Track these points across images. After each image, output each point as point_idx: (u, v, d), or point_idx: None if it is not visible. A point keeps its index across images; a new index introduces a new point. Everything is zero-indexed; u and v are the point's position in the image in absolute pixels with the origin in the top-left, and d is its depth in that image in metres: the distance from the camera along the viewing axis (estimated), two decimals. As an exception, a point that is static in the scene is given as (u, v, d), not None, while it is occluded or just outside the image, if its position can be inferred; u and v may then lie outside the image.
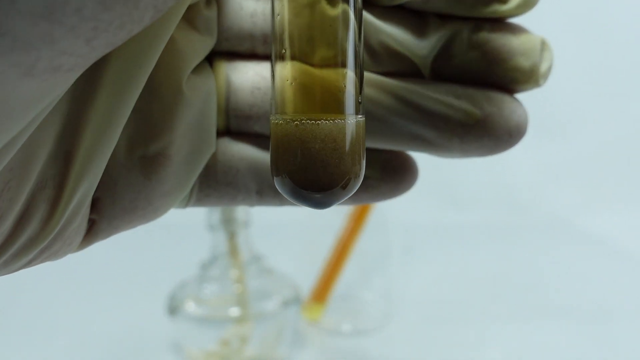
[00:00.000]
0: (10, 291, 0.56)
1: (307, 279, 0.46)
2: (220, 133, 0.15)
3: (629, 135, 0.79)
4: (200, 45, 0.14)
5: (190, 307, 0.38)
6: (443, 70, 0.14)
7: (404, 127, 0.14)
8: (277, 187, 0.13)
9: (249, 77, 0.15)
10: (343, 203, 0.14)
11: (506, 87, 0.14)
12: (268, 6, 0.14)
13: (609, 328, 0.46)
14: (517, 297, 0.53)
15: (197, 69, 0.14)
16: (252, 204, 0.16)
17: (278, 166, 0.12)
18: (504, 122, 0.14)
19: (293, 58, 0.12)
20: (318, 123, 0.12)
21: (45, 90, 0.09)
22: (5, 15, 0.08)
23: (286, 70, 0.12)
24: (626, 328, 0.46)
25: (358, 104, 0.13)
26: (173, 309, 0.38)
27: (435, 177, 0.81)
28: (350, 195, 0.13)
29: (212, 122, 0.14)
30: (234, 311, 0.37)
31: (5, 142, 0.09)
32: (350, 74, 0.12)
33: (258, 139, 0.15)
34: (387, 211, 0.44)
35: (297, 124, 0.12)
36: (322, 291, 0.45)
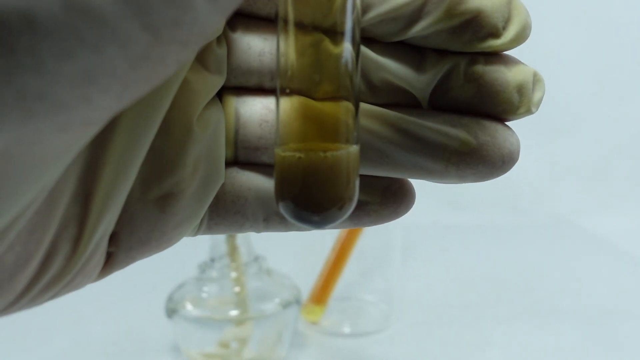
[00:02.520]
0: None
1: (307, 280, 0.46)
2: (229, 163, 0.16)
3: (631, 135, 0.79)
4: (211, 84, 0.14)
5: (189, 308, 0.37)
6: (440, 101, 0.15)
7: (403, 156, 0.15)
8: (281, 210, 0.14)
9: (257, 110, 0.15)
10: (346, 225, 0.16)
11: (499, 117, 0.15)
12: (274, 45, 0.15)
13: (611, 329, 0.46)
14: (518, 297, 0.52)
15: (208, 104, 0.15)
16: (259, 231, 0.16)
17: (282, 193, 0.14)
18: (498, 150, 0.15)
19: (295, 93, 0.14)
20: (317, 155, 0.13)
21: (75, 142, 0.10)
22: (47, 81, 0.08)
23: (288, 104, 0.14)
24: (628, 329, 0.46)
25: (354, 134, 0.14)
26: (172, 310, 0.38)
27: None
28: (347, 215, 0.14)
29: (221, 154, 0.15)
30: (234, 312, 0.37)
31: (37, 191, 0.10)
32: (348, 106, 0.14)
33: (265, 169, 0.16)
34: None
35: (299, 156, 0.13)
36: (322, 292, 0.45)
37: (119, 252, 0.14)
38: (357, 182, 0.14)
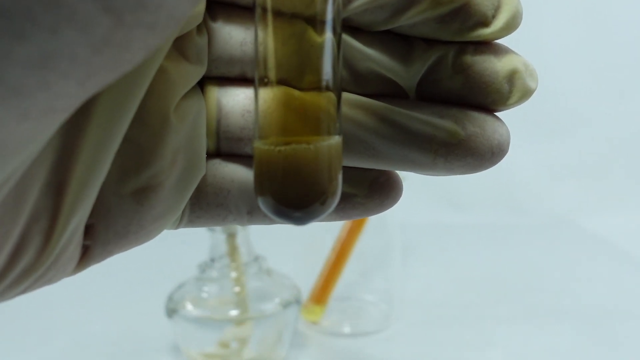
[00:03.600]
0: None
1: (307, 280, 0.46)
2: (211, 155, 0.15)
3: (631, 134, 0.79)
4: (190, 74, 0.14)
5: (189, 308, 0.37)
6: (428, 92, 0.15)
7: (389, 148, 0.15)
8: (261, 206, 0.13)
9: (240, 100, 0.15)
10: (332, 218, 0.15)
11: (489, 108, 0.15)
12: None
13: (611, 329, 0.46)
14: (518, 297, 0.52)
15: (187, 95, 0.14)
16: (242, 224, 0.16)
17: (262, 188, 0.13)
18: (487, 142, 0.14)
19: (275, 83, 0.13)
20: (297, 147, 0.13)
21: (39, 130, 0.10)
22: (0, 65, 0.08)
23: (267, 94, 0.13)
24: (628, 329, 0.46)
25: (336, 125, 0.13)
26: (172, 310, 0.38)
27: (436, 177, 0.81)
28: (330, 211, 0.13)
29: (202, 146, 0.15)
30: (234, 312, 0.37)
31: (0, 182, 0.10)
32: (330, 97, 0.13)
33: (249, 160, 0.15)
34: (387, 211, 0.44)
35: (278, 149, 0.13)
36: (322, 292, 0.45)
37: (95, 245, 0.14)
38: (340, 176, 0.13)
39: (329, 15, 0.13)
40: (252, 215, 0.16)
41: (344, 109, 0.15)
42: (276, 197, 0.13)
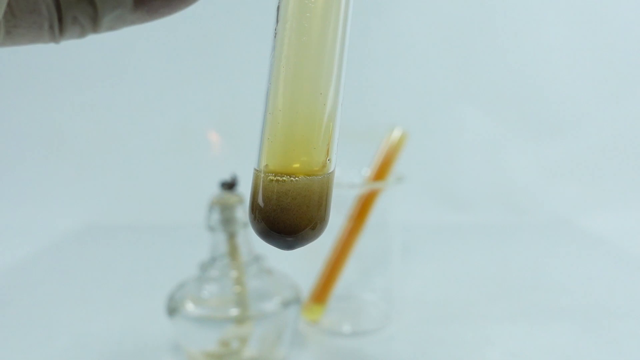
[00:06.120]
0: (10, 291, 0.56)
1: (307, 280, 0.46)
2: None
3: (629, 134, 0.79)
4: None
5: (190, 307, 0.38)
6: None
7: None
8: (252, 228, 0.14)
9: None
10: (142, 19, 0.16)
11: None
12: None
13: (610, 328, 0.46)
14: (518, 297, 0.53)
15: None
16: (56, 38, 0.16)
17: (255, 211, 0.14)
18: None
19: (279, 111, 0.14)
20: (292, 180, 0.14)
21: None
22: None
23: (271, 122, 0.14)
24: (628, 328, 0.46)
25: (330, 159, 0.14)
26: (173, 309, 0.38)
27: (435, 177, 0.81)
28: (320, 235, 0.15)
29: None
30: (234, 312, 0.37)
31: None
32: (329, 129, 0.14)
33: None
34: (387, 211, 0.44)
35: (277, 180, 0.14)
36: (322, 292, 0.45)
37: None
38: (330, 203, 0.15)
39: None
40: (64, 25, 0.16)
41: None
42: (269, 223, 0.14)
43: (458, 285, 0.56)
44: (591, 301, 0.52)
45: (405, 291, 0.53)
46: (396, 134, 0.44)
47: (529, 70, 0.77)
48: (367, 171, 0.45)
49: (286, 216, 0.14)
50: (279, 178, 0.14)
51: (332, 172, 0.14)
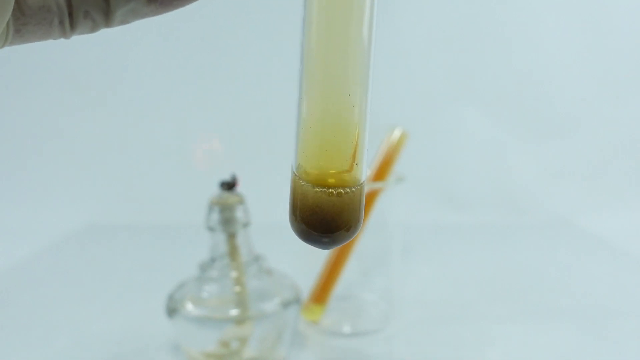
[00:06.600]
0: (11, 291, 0.55)
1: (307, 280, 0.46)
2: None
3: (630, 135, 0.79)
4: None
5: (190, 307, 0.38)
6: None
7: None
8: (292, 229, 0.16)
9: None
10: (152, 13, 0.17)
11: None
12: None
13: (610, 328, 0.46)
14: (518, 297, 0.53)
15: None
16: (66, 34, 0.16)
17: (296, 215, 0.16)
18: None
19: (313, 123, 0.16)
20: (330, 192, 0.16)
21: None
22: None
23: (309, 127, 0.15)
24: (628, 328, 0.46)
25: (362, 169, 0.16)
26: (172, 309, 0.38)
27: (435, 177, 0.81)
28: (354, 236, 0.16)
29: None
30: (234, 312, 0.37)
31: None
32: (361, 140, 0.16)
33: None
34: (387, 211, 0.44)
35: (316, 190, 0.16)
36: (322, 292, 0.45)
37: None
38: (363, 207, 0.16)
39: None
40: (75, 20, 0.16)
41: None
42: (309, 224, 0.16)
43: (458, 285, 0.56)
44: (591, 301, 0.52)
45: (405, 291, 0.53)
46: (396, 134, 0.44)
47: (529, 70, 0.77)
48: (367, 171, 0.45)
49: (324, 220, 0.15)
50: (317, 189, 0.15)
51: (365, 182, 0.16)
